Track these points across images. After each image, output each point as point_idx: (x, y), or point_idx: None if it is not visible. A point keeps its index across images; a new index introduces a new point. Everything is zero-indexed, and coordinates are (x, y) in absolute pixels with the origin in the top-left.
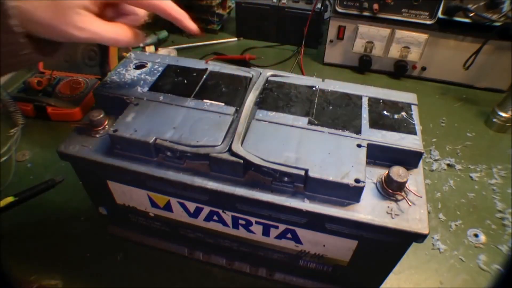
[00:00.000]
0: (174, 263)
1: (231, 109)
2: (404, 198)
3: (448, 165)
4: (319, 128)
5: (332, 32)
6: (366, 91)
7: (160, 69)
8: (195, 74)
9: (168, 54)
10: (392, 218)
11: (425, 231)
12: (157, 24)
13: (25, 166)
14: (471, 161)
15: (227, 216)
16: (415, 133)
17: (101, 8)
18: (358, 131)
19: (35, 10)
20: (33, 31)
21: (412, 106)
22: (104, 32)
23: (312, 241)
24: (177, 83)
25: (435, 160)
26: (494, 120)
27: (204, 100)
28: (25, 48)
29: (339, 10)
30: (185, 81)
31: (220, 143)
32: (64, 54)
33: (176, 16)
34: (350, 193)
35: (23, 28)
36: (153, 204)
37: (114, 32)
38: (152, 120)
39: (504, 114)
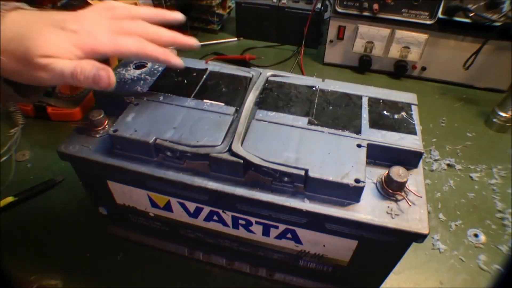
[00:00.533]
0: (174, 263)
1: (231, 109)
2: (404, 198)
3: (448, 165)
4: (319, 128)
5: (332, 32)
6: (366, 91)
7: (160, 69)
8: (195, 74)
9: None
10: (392, 218)
11: (425, 231)
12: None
13: (25, 166)
14: (471, 161)
15: (227, 216)
16: (415, 133)
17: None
18: (358, 131)
19: (7, 62)
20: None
21: (412, 106)
22: (63, 66)
23: (312, 241)
24: (177, 83)
25: (435, 160)
26: (494, 120)
27: (204, 100)
28: (8, 90)
29: (339, 10)
30: (185, 81)
31: (220, 143)
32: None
33: (160, 58)
34: (350, 193)
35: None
36: (153, 204)
37: (71, 64)
38: (152, 120)
39: (504, 114)
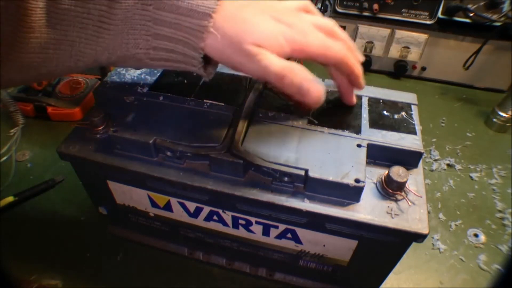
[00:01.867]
0: (174, 263)
1: (231, 109)
2: (404, 198)
3: (448, 165)
4: (319, 128)
5: None
6: (366, 91)
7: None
8: (195, 74)
9: None
10: (392, 218)
11: (425, 231)
12: None
13: (25, 166)
14: (471, 161)
15: (227, 216)
16: (415, 133)
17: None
18: (358, 131)
19: (221, 46)
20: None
21: (412, 106)
22: (272, 65)
23: (312, 241)
24: (177, 83)
25: (435, 160)
26: (494, 120)
27: (204, 100)
28: (198, 65)
29: (339, 10)
30: (185, 81)
31: (220, 143)
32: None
33: (355, 75)
34: (350, 193)
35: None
36: (153, 204)
37: (282, 65)
38: (152, 120)
39: (504, 114)
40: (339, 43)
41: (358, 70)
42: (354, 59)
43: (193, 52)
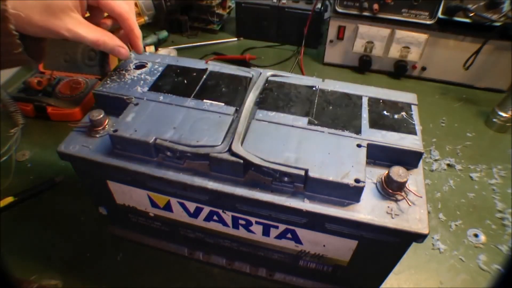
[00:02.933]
0: (174, 263)
1: (231, 109)
2: (404, 198)
3: (448, 165)
4: (319, 128)
5: (332, 32)
6: (366, 91)
7: (160, 69)
8: (195, 74)
9: (168, 54)
10: (392, 218)
11: (425, 231)
12: (157, 24)
13: (25, 166)
14: (471, 161)
15: (227, 216)
16: (415, 133)
17: (84, 10)
18: (358, 131)
19: (32, 14)
20: (26, 30)
21: (412, 106)
22: (87, 35)
23: (312, 241)
24: (177, 83)
25: (435, 160)
26: (494, 120)
27: (204, 100)
28: (18, 48)
29: (339, 10)
30: (185, 81)
31: (220, 143)
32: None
33: (130, 27)
34: (350, 193)
35: (17, 28)
36: (153, 204)
37: (96, 36)
38: (152, 120)
39: (504, 114)
40: (126, 0)
41: (138, 30)
42: (135, 20)
43: (6, 38)
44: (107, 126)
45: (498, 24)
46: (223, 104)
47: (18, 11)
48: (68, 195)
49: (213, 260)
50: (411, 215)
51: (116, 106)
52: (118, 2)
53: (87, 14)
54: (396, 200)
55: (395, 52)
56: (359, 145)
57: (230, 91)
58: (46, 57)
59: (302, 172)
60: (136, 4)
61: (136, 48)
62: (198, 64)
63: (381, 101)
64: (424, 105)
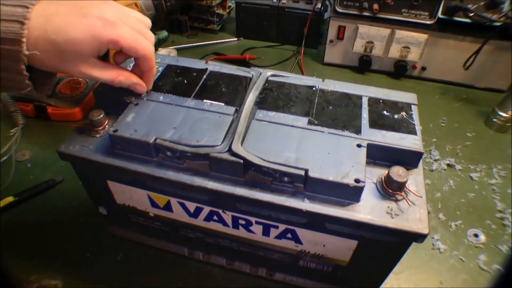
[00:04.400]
0: (174, 263)
1: (231, 109)
2: (404, 198)
3: (448, 165)
4: (319, 128)
5: (332, 32)
6: (366, 91)
7: (160, 69)
8: (195, 74)
9: (168, 54)
10: (392, 218)
11: (425, 231)
12: (157, 24)
13: (25, 166)
14: (471, 161)
15: (227, 216)
16: (415, 133)
17: (101, 53)
18: (358, 131)
19: (45, 57)
20: (38, 67)
21: (412, 106)
22: (102, 76)
23: (312, 241)
24: (177, 83)
25: (435, 160)
26: (494, 120)
27: (204, 100)
28: (27, 87)
29: (339, 10)
30: (185, 81)
31: (220, 143)
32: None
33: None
34: (350, 193)
35: (30, 63)
36: (153, 204)
37: (111, 76)
38: (152, 120)
39: (504, 114)
40: (148, 42)
41: (155, 70)
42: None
43: (17, 76)
44: (107, 126)
45: (498, 24)
46: (223, 104)
47: (32, 52)
48: (68, 195)
49: (213, 260)
50: (411, 215)
51: (116, 106)
52: (143, 45)
53: None
54: (396, 200)
55: (395, 52)
56: (359, 145)
57: (230, 91)
58: (51, 87)
59: (302, 172)
60: (136, 4)
61: (148, 84)
62: (198, 64)
63: (381, 101)
64: (424, 105)
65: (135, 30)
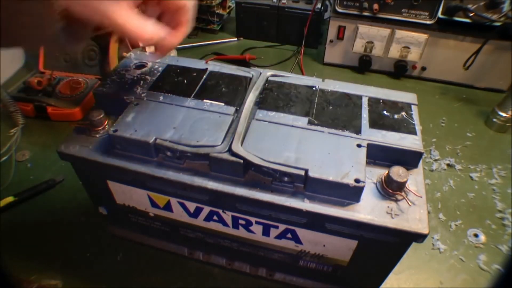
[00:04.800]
0: (174, 263)
1: (231, 109)
2: (404, 198)
3: (448, 165)
4: (319, 128)
5: (332, 32)
6: (366, 91)
7: (160, 69)
8: (195, 74)
9: (168, 54)
10: (392, 218)
11: (425, 231)
12: None
13: (25, 166)
14: (471, 161)
15: (227, 216)
16: (415, 133)
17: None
18: (358, 131)
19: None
20: (71, 8)
21: (412, 106)
22: (130, 26)
23: (312, 241)
24: (177, 83)
25: (435, 160)
26: (494, 120)
27: (204, 100)
28: (56, 25)
29: (339, 10)
30: (185, 81)
31: (220, 143)
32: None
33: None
34: (350, 193)
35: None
36: (153, 204)
37: (140, 27)
38: (152, 120)
39: (504, 114)
40: None
41: (189, 26)
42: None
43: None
44: (107, 126)
45: (498, 24)
46: (223, 104)
47: None
48: (68, 195)
49: (213, 260)
50: (411, 215)
51: (116, 106)
52: None
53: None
54: (396, 200)
55: (395, 52)
56: (359, 145)
57: (230, 91)
58: (84, 42)
59: (302, 172)
60: None
61: (177, 40)
62: (198, 64)
63: (381, 101)
64: (424, 105)
65: None
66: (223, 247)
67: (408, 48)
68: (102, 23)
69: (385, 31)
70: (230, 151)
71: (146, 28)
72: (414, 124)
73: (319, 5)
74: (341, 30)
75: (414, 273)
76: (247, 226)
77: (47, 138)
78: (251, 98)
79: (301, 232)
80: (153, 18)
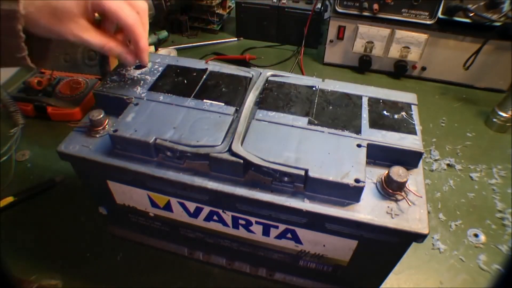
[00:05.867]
0: (174, 263)
1: (231, 109)
2: (404, 198)
3: (448, 165)
4: (319, 128)
5: (332, 32)
6: (366, 91)
7: (160, 69)
8: (195, 74)
9: (168, 54)
10: (392, 218)
11: (425, 231)
12: (157, 24)
13: (25, 166)
14: (471, 161)
15: (227, 216)
16: (415, 133)
17: (90, 16)
18: (358, 131)
19: (39, 16)
20: (33, 30)
21: (412, 106)
22: (92, 40)
23: (312, 241)
24: (177, 83)
25: (435, 160)
26: (494, 120)
27: (204, 100)
28: (22, 52)
29: (339, 10)
30: (185, 81)
31: (220, 143)
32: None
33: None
34: (350, 193)
35: (24, 28)
36: (153, 204)
37: (102, 42)
38: (152, 120)
39: (504, 114)
40: (134, 12)
41: (144, 44)
42: (143, 32)
43: (14, 39)
44: (107, 126)
45: (498, 24)
46: (223, 104)
47: (28, 11)
48: (68, 195)
49: (213, 260)
50: (411, 215)
51: (116, 106)
52: (125, 13)
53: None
54: (396, 200)
55: (395, 52)
56: (359, 145)
57: (230, 91)
58: (49, 62)
59: (302, 172)
60: None
61: (141, 60)
62: (198, 64)
63: (381, 101)
64: (424, 105)
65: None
66: (223, 247)
67: (408, 48)
68: (63, 39)
69: (385, 31)
70: (230, 151)
71: (95, 38)
72: (414, 124)
73: (319, 5)
74: (341, 30)
75: (414, 273)
76: (247, 226)
77: (47, 138)
78: (251, 98)
79: (301, 232)
80: (111, 31)
